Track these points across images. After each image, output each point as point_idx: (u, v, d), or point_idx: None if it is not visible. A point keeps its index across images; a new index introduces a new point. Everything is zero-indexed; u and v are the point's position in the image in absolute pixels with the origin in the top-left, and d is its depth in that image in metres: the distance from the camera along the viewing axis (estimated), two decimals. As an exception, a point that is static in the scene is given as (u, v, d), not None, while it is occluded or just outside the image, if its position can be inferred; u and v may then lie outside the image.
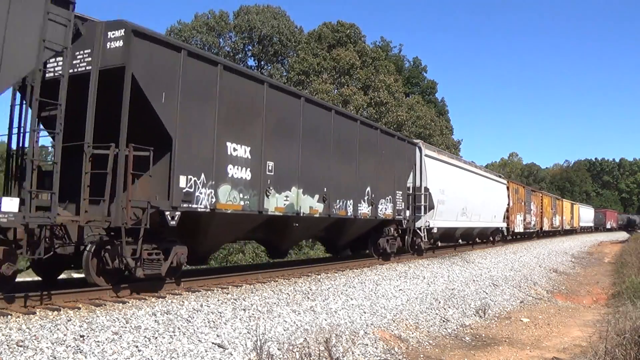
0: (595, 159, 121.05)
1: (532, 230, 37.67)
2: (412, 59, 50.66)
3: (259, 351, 6.43)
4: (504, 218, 29.10)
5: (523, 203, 34.07)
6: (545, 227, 42.80)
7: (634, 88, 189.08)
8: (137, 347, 5.85)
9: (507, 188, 30.13)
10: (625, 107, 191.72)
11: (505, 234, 30.23)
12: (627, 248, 38.50)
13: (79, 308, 6.82)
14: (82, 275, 8.18)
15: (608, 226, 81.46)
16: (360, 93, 34.76)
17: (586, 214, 67.60)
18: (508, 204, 29.76)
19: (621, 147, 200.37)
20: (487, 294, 14.45)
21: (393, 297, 11.14)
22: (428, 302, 11.61)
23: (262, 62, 44.54)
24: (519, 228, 32.82)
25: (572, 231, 56.43)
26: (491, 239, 28.90)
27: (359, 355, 7.71)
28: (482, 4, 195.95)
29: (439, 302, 11.89)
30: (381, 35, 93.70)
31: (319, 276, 11.72)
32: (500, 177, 30.47)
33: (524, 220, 34.37)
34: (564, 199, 56.26)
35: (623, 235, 68.58)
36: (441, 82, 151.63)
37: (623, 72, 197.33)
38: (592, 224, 71.35)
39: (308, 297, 9.45)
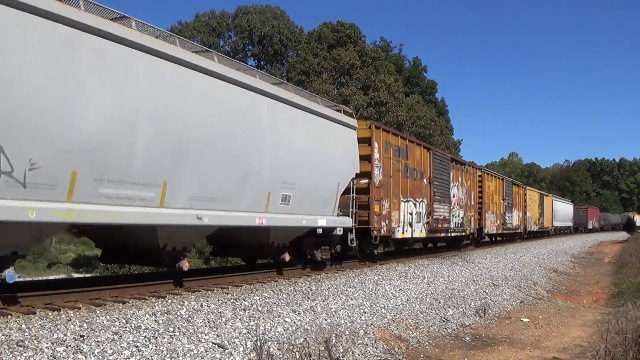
0: (595, 159, 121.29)
1: (456, 234, 21.14)
2: (412, 59, 50.57)
3: (259, 351, 6.43)
4: (354, 208, 12.80)
5: (426, 180, 17.68)
6: (491, 229, 26.17)
7: (633, 88, 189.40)
8: (137, 347, 5.86)
9: (368, 141, 13.77)
10: (625, 107, 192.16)
11: (353, 243, 12.84)
12: (627, 248, 38.59)
13: (79, 308, 6.82)
14: (81, 275, 8.16)
15: (590, 226, 67.94)
16: (360, 93, 34.70)
17: (563, 211, 53.04)
18: (370, 179, 13.70)
19: (621, 147, 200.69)
20: (487, 294, 14.45)
21: (393, 297, 11.14)
22: (428, 302, 11.61)
23: (262, 62, 44.52)
24: (412, 230, 16.54)
25: (542, 233, 42.07)
26: (288, 258, 10.97)
27: (359, 355, 7.71)
28: (482, 3, 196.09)
29: (439, 302, 11.89)
30: (381, 35, 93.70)
31: (319, 276, 11.71)
32: (339, 109, 12.65)
33: (431, 214, 17.92)
34: (528, 187, 38.35)
35: (623, 235, 68.54)
36: (441, 82, 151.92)
37: (623, 72, 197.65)
38: (571, 224, 56.69)
39: (308, 297, 9.45)
